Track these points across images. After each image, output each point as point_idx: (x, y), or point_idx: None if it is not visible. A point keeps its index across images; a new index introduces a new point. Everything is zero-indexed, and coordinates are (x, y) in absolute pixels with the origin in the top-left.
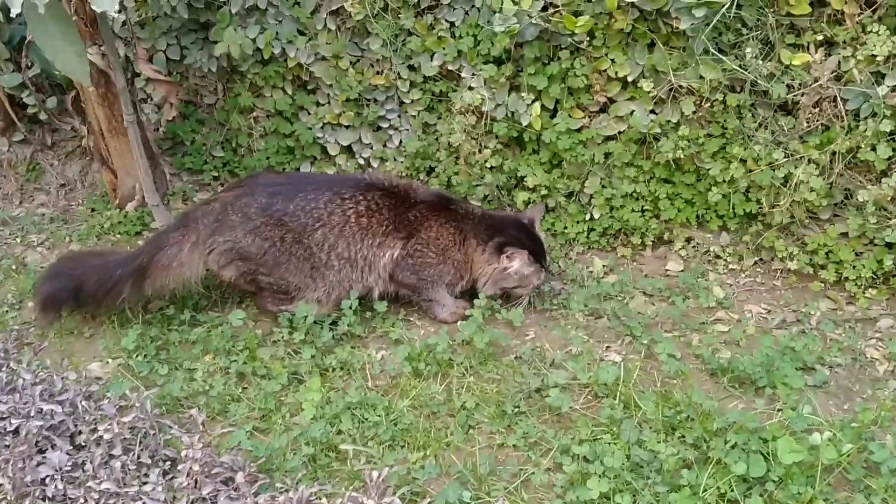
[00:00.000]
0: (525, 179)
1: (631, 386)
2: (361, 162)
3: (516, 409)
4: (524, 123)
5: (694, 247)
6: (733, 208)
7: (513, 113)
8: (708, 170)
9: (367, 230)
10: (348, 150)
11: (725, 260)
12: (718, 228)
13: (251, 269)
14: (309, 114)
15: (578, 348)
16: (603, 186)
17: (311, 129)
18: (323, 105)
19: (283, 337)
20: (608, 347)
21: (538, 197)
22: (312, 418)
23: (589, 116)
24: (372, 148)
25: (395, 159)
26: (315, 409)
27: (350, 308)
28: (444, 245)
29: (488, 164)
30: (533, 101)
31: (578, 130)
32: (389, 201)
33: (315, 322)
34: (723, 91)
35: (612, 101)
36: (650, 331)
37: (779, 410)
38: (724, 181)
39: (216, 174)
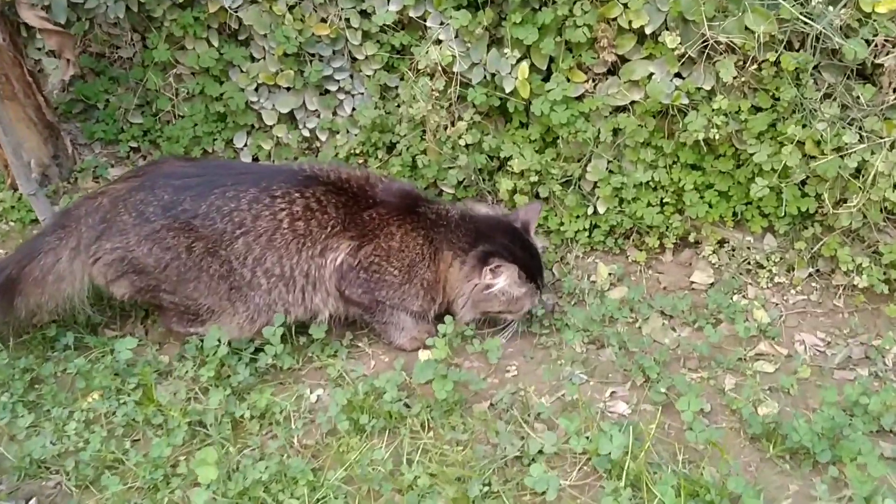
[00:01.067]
0: (510, 162)
1: (643, 457)
2: (307, 134)
3: (485, 489)
4: (507, 89)
5: (729, 252)
6: (784, 205)
7: (493, 75)
8: (751, 154)
9: (306, 237)
10: (290, 119)
11: (770, 271)
12: (762, 230)
13: (150, 284)
14: (242, 71)
15: (573, 395)
16: (610, 172)
17: (242, 90)
18: (258, 61)
19: (187, 372)
20: (613, 394)
21: (526, 184)
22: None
23: (593, 80)
24: (319, 116)
25: (347, 131)
26: (211, 488)
27: (274, 335)
28: (409, 260)
29: (462, 142)
30: (519, 60)
31: (579, 99)
32: (337, 199)
33: (233, 351)
34: (776, 49)
35: (624, 60)
36: (669, 370)
37: (849, 501)
38: (772, 170)
39: (135, 145)
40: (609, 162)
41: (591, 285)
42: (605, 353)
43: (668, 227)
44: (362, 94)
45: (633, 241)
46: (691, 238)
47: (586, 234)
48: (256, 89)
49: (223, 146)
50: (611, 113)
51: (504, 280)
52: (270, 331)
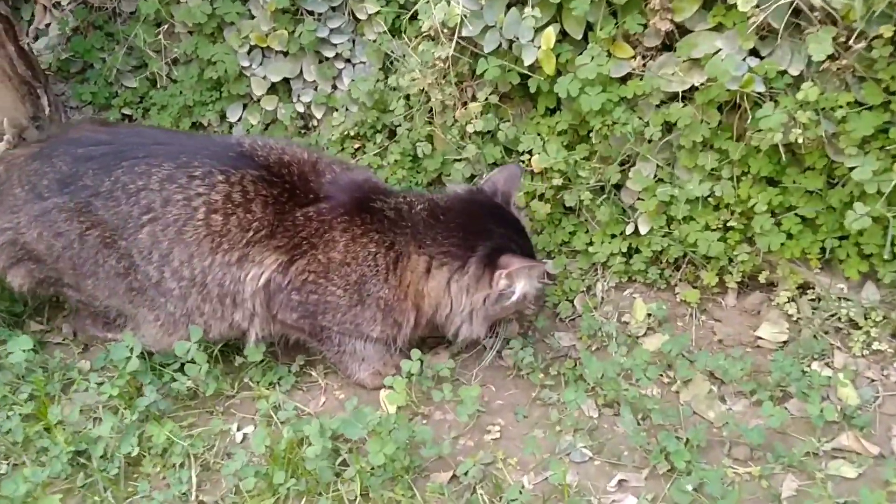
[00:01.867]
0: (528, 156)
1: None
2: (301, 109)
3: None
4: (527, 62)
5: (812, 303)
6: (892, 243)
7: (511, 43)
8: (850, 169)
9: (222, 236)
10: (286, 91)
11: (867, 333)
12: (860, 276)
13: (50, 276)
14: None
15: (558, 480)
16: (658, 181)
17: (235, 53)
18: (255, 17)
19: (88, 388)
20: (622, 483)
21: (549, 188)
22: None
23: (642, 57)
24: (315, 89)
25: (346, 109)
26: None
27: (187, 352)
28: (358, 276)
29: (472, 128)
30: (545, 25)
31: (622, 81)
32: (268, 191)
33: (157, 366)
34: None
35: (683, 31)
36: (706, 458)
37: None
38: (878, 193)
39: (128, 112)
40: (658, 167)
41: (622, 328)
42: (623, 422)
43: (731, 261)
44: (364, 63)
45: (684, 274)
46: (762, 278)
47: (623, 259)
48: (249, 52)
49: (217, 119)
50: (662, 102)
51: (524, 282)
52: (183, 347)
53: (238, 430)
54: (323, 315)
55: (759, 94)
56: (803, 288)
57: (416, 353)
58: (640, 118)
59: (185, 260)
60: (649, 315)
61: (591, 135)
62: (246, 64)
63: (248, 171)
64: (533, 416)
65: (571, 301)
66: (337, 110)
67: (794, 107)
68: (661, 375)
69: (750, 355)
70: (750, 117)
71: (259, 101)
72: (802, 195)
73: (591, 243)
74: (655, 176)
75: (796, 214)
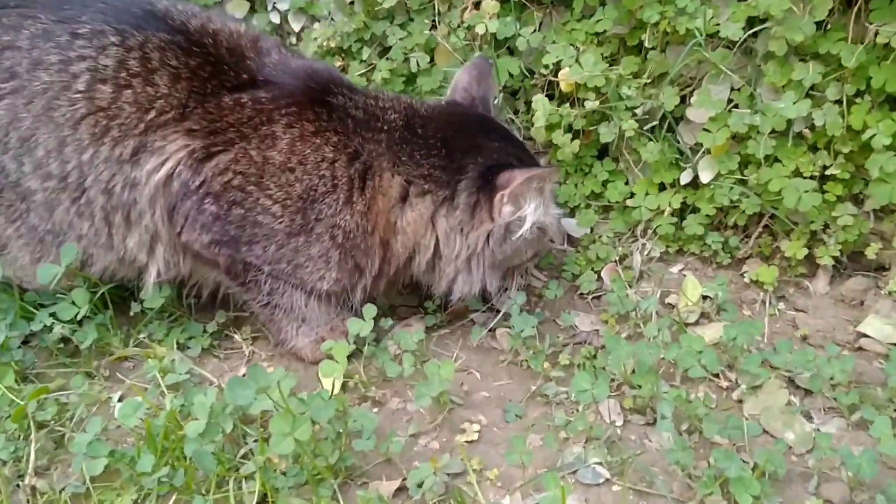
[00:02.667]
0: (553, 71)
1: None
2: (276, 20)
3: None
4: None
5: None
6: None
7: None
8: None
9: (111, 117)
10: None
11: None
12: None
13: None
14: None
15: None
16: (732, 107)
17: None
18: None
19: None
20: None
21: (579, 115)
22: None
23: None
24: None
25: (331, 19)
26: None
27: (55, 281)
28: (304, 187)
29: (483, 28)
30: None
31: None
32: (182, 61)
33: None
34: None
35: None
36: (782, 496)
37: None
38: None
39: None
40: (733, 90)
41: (666, 311)
42: (659, 434)
43: (826, 227)
44: None
45: (758, 244)
46: (870, 253)
47: (673, 220)
48: None
49: None
50: None
51: (536, 202)
52: (48, 272)
53: (120, 400)
54: (249, 245)
55: None
56: None
57: (370, 310)
58: (715, 14)
59: (54, 148)
60: (705, 298)
61: (642, 42)
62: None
63: (154, 33)
64: (530, 416)
65: (598, 273)
66: (319, 21)
67: None
68: (718, 376)
69: (849, 359)
70: (871, 9)
71: (224, 6)
72: None
73: (631, 195)
74: (730, 101)
75: None
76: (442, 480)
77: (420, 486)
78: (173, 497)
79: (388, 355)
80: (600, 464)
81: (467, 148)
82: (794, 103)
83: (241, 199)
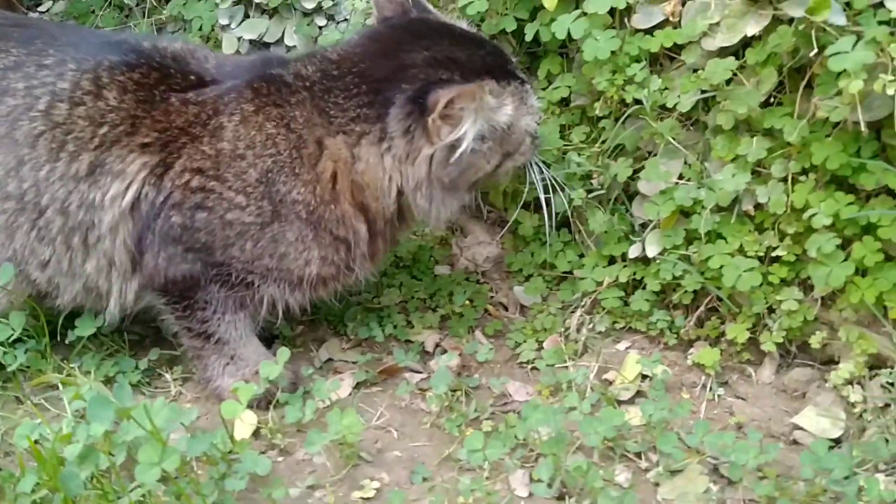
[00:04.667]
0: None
1: None
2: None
3: None
4: None
5: (888, 387)
6: None
7: None
8: None
9: (66, 133)
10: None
11: None
12: None
13: None
14: None
15: None
16: (684, 183)
17: (216, 8)
18: None
19: None
20: None
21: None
22: None
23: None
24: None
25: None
26: None
27: None
28: (260, 171)
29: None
30: None
31: (650, 31)
32: (129, 75)
33: None
34: None
35: None
36: None
37: None
38: None
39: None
40: (685, 164)
41: (600, 387)
42: None
43: (772, 311)
44: (347, 21)
45: (706, 326)
46: (815, 342)
47: (620, 294)
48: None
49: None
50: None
51: (472, 117)
52: None
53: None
54: (224, 248)
55: (835, 28)
56: (875, 365)
57: (283, 353)
58: (667, 86)
59: (13, 168)
60: (644, 377)
61: (597, 111)
62: (225, 22)
63: (106, 57)
64: (436, 479)
65: (541, 343)
66: (339, 22)
67: (886, 37)
68: (640, 457)
69: (775, 449)
70: (816, 84)
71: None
72: (886, 204)
73: (578, 263)
74: (681, 177)
75: (875, 236)
76: None
77: None
78: None
79: (299, 402)
80: None
81: (387, 74)
82: (733, 176)
83: (202, 201)
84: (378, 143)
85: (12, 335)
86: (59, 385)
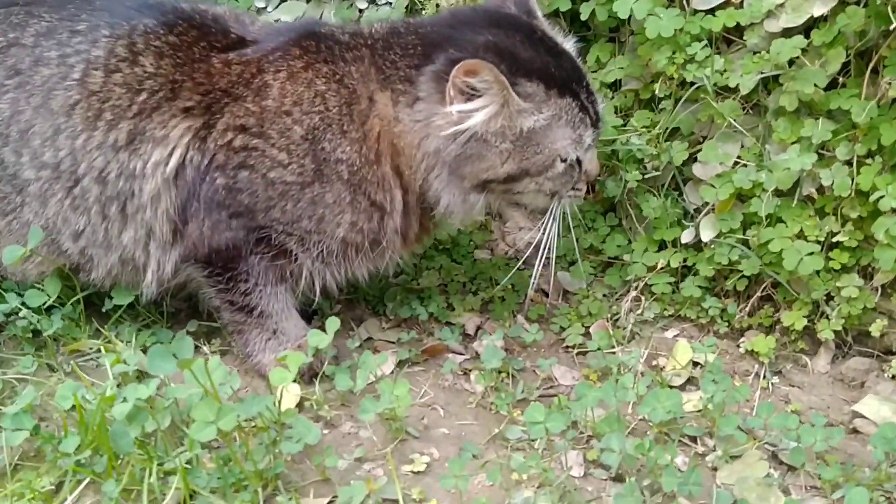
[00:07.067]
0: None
1: None
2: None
3: None
4: None
5: None
6: None
7: None
8: None
9: (103, 101)
10: None
11: None
12: None
13: None
14: None
15: None
16: (738, 165)
17: None
18: None
19: None
20: None
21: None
22: None
23: None
24: None
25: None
26: None
27: (15, 262)
28: (306, 128)
29: None
30: None
31: (710, 12)
32: (165, 39)
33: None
34: None
35: None
36: None
37: None
38: None
39: None
40: (743, 147)
41: (653, 372)
42: (618, 489)
43: (830, 298)
44: (390, 3)
45: (759, 315)
46: (875, 331)
47: (671, 280)
48: None
49: None
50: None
51: (488, 101)
52: (12, 253)
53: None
54: (266, 211)
55: None
56: None
57: (332, 323)
58: (727, 68)
59: (49, 137)
60: (695, 364)
61: (654, 93)
62: (261, 4)
63: (141, 21)
64: (487, 456)
65: (587, 328)
66: (382, 3)
67: None
68: (696, 441)
69: (836, 435)
70: (885, 64)
71: None
72: None
73: (628, 248)
74: (738, 160)
75: None
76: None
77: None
78: (87, 480)
79: (347, 373)
80: None
81: (443, 41)
82: (798, 157)
83: (245, 159)
84: (412, 105)
85: (47, 301)
86: (99, 350)
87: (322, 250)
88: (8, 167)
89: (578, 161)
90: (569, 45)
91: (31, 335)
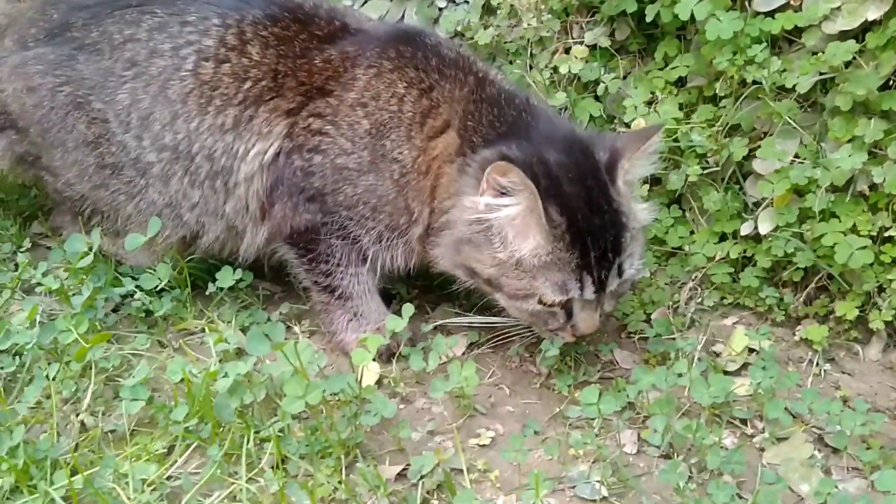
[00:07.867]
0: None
1: None
2: None
3: None
4: None
5: None
6: None
7: None
8: None
9: (213, 89)
10: None
11: None
12: None
13: (28, 152)
14: None
15: None
16: (799, 163)
17: None
18: None
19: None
20: None
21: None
22: None
23: None
24: None
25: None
26: None
27: (136, 249)
28: (373, 122)
29: (567, 68)
30: None
31: (771, 14)
32: (271, 29)
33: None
34: None
35: None
36: None
37: None
38: None
39: None
40: (801, 145)
41: (709, 358)
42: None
43: (882, 290)
44: (468, 2)
45: (814, 304)
46: None
47: (730, 270)
48: None
49: None
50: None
51: (511, 205)
52: (134, 241)
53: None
54: (334, 193)
55: None
56: None
57: (408, 308)
58: (785, 68)
59: (168, 121)
60: (751, 351)
61: (716, 91)
62: (347, 3)
63: (249, 11)
64: (547, 433)
65: (648, 315)
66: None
67: None
68: (745, 423)
69: (886, 420)
70: None
71: None
72: None
73: (690, 239)
74: (796, 156)
75: None
76: (441, 473)
77: (420, 473)
78: (194, 445)
79: (420, 354)
80: (600, 482)
81: (519, 135)
82: (850, 156)
83: (319, 143)
84: (461, 170)
85: (159, 284)
86: (204, 330)
87: (376, 236)
88: (130, 152)
89: (567, 311)
90: (641, 209)
91: (144, 315)
